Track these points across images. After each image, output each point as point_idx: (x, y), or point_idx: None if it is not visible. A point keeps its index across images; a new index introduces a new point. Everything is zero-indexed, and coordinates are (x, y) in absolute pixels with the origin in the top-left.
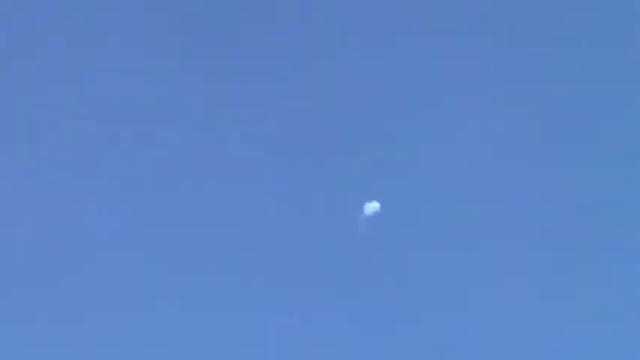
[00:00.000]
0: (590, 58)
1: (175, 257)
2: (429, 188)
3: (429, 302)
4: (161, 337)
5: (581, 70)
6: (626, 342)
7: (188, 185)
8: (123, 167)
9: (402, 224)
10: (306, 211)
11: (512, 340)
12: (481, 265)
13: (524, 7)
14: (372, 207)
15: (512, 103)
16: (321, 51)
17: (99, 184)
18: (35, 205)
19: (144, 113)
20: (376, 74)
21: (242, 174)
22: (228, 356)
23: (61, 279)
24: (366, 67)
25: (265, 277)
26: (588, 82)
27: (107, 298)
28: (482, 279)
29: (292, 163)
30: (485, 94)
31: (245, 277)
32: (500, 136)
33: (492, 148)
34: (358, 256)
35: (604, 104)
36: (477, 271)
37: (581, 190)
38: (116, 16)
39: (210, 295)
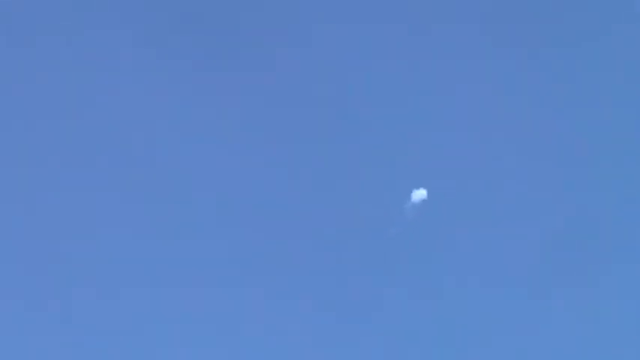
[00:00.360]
0: (589, 58)
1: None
2: (475, 175)
3: (476, 284)
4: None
5: (580, 70)
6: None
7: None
8: (124, 167)
9: (449, 211)
10: (355, 200)
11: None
12: (524, 249)
13: (524, 6)
14: (419, 194)
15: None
16: (355, 39)
17: (100, 183)
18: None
19: (144, 113)
20: (418, 64)
21: (291, 164)
22: (283, 339)
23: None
24: (405, 56)
25: (315, 266)
26: (588, 82)
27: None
28: (524, 262)
29: (340, 153)
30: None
31: (296, 265)
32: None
33: (533, 134)
34: (406, 243)
35: (604, 104)
36: (520, 251)
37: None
38: (114, 17)
39: (259, 280)
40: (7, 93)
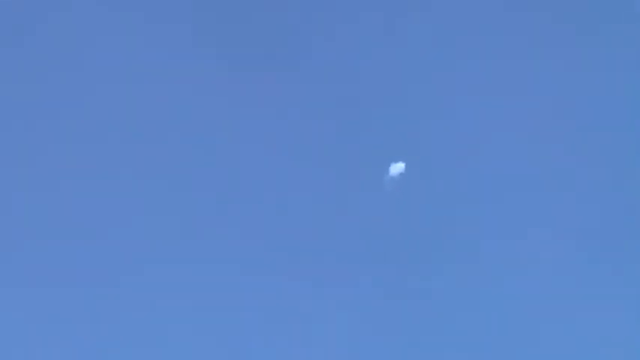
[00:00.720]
0: (590, 57)
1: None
2: (455, 148)
3: (454, 260)
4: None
5: (580, 71)
6: None
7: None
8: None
9: (427, 184)
10: (332, 173)
11: (531, 290)
12: (505, 223)
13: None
14: (397, 167)
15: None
16: (338, 16)
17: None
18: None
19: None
20: (403, 36)
21: (265, 137)
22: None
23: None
24: (391, 30)
25: (290, 240)
26: (587, 82)
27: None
28: (506, 236)
29: (315, 125)
30: (507, 56)
31: (269, 238)
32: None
33: (516, 105)
34: (385, 216)
35: (603, 104)
36: (502, 228)
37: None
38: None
39: (228, 257)
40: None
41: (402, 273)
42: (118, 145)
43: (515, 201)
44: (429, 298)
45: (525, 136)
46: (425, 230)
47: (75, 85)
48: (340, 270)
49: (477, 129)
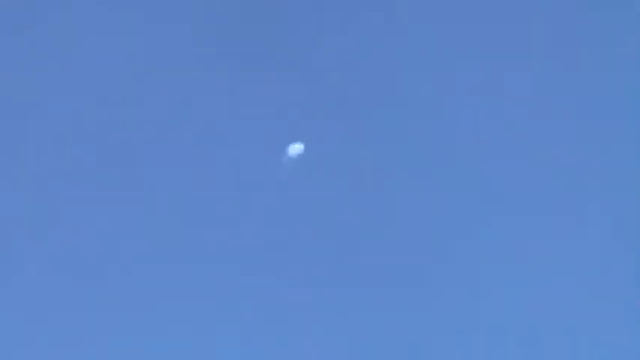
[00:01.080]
0: (590, 57)
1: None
2: (355, 127)
3: (355, 243)
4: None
5: (578, 71)
6: None
7: None
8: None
9: (327, 165)
10: (226, 154)
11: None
12: (407, 204)
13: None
14: (296, 148)
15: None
16: None
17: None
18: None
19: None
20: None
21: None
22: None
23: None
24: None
25: (187, 227)
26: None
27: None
28: (407, 220)
29: (210, 103)
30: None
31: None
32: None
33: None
34: (283, 198)
35: (602, 105)
36: (402, 211)
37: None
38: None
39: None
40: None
41: (304, 259)
42: (117, 146)
43: (420, 183)
44: (330, 285)
45: (431, 114)
46: (326, 215)
47: (73, 84)
48: (237, 262)
49: (379, 103)
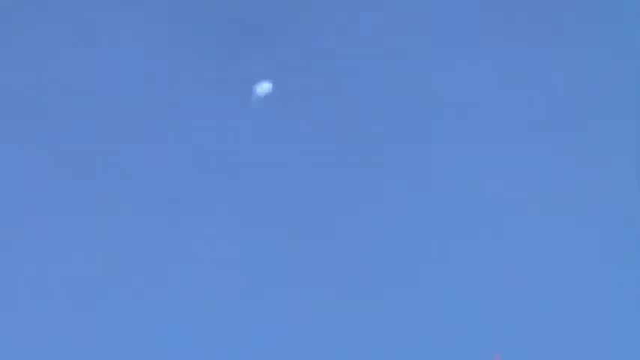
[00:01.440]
0: (589, 57)
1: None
2: (326, 65)
3: (324, 185)
4: None
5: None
6: None
7: None
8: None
9: (296, 105)
10: (193, 94)
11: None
12: (371, 150)
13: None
14: (264, 87)
15: None
16: None
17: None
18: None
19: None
20: None
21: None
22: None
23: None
24: None
25: (154, 176)
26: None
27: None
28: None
29: (178, 38)
30: None
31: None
32: None
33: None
34: (251, 140)
35: (602, 105)
36: (368, 156)
37: None
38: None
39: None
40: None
41: (270, 202)
42: (116, 145)
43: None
44: (293, 236)
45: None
46: (295, 158)
47: (73, 83)
48: (210, 207)
49: (352, 41)
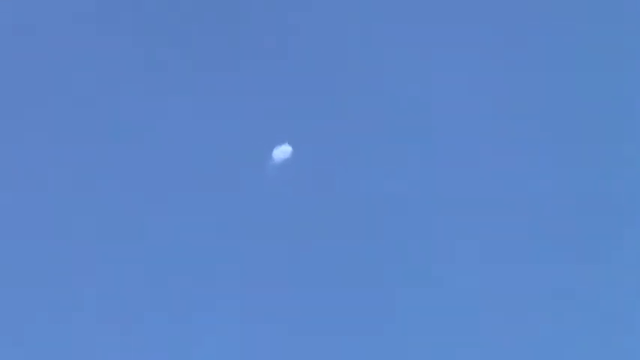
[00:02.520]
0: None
1: None
2: (345, 130)
3: (343, 252)
4: None
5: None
6: None
7: None
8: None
9: (315, 171)
10: (208, 158)
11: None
12: (397, 213)
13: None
14: (282, 151)
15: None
16: None
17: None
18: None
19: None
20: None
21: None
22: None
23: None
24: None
25: (173, 233)
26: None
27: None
28: (398, 227)
29: (192, 102)
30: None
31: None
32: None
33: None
34: (267, 207)
35: (602, 105)
36: (395, 218)
37: None
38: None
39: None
40: None
41: (287, 270)
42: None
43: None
44: (316, 290)
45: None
46: (312, 225)
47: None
48: (223, 267)
49: (373, 106)
